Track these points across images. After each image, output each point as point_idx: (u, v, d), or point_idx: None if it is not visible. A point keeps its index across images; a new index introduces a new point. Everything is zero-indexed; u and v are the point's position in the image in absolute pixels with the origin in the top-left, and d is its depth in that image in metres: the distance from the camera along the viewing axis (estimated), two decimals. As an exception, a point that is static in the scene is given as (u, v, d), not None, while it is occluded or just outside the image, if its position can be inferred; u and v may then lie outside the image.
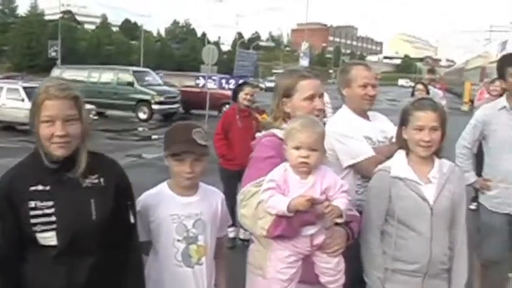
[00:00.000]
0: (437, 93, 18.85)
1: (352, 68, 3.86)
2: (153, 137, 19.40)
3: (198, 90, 25.52)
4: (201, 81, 26.30)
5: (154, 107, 23.78)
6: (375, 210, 3.16)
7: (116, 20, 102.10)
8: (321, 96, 3.04)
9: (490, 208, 4.89)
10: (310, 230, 2.64)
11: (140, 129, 21.78)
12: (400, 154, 3.18)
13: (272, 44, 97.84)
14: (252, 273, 2.94)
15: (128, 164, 12.20)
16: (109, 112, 25.21)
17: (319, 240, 2.67)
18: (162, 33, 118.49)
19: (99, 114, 22.74)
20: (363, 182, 3.54)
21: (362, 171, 3.55)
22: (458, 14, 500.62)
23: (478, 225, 5.06)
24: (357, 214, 3.07)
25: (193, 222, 2.84)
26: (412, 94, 8.87)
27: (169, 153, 2.81)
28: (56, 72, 26.74)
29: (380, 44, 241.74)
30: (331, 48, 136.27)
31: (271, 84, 70.68)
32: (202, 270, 2.84)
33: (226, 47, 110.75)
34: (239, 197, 2.80)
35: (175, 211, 2.82)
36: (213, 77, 24.62)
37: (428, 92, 8.81)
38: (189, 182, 2.83)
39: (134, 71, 26.01)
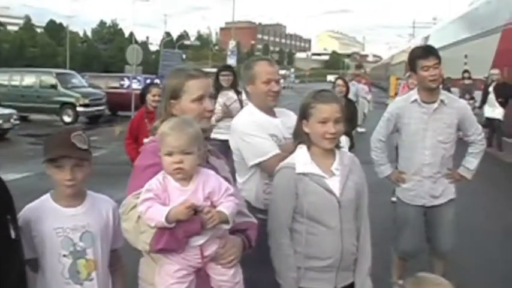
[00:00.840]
0: (362, 88, 19.46)
1: (255, 64, 3.78)
2: (79, 140, 18.90)
3: (123, 91, 25.14)
4: (126, 82, 25.81)
5: (79, 109, 23.20)
6: (282, 209, 3.05)
7: (40, 21, 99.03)
8: (211, 96, 2.83)
9: (405, 200, 4.95)
10: (199, 240, 2.40)
11: (65, 133, 21.29)
12: (302, 149, 3.10)
13: (198, 43, 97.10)
14: None
15: None
16: (32, 116, 24.48)
17: (210, 250, 2.45)
18: (89, 34, 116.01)
19: (22, 118, 22.14)
20: (271, 181, 3.37)
21: (268, 170, 3.43)
22: (384, 11, 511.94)
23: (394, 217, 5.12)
24: (254, 221, 2.89)
25: (80, 235, 2.60)
26: (332, 89, 9.03)
27: (46, 159, 2.55)
28: (-26, 76, 25.88)
29: (308, 41, 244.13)
30: (260, 46, 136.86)
31: None
32: (93, 287, 2.61)
33: (154, 47, 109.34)
34: (120, 209, 2.55)
35: (60, 224, 2.58)
36: (138, 78, 24.26)
37: (348, 88, 8.96)
38: (71, 191, 2.59)
39: (57, 74, 25.25)
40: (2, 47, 71.74)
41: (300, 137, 3.14)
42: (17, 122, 19.35)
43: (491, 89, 15.81)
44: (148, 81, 23.62)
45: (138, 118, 7.13)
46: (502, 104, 15.48)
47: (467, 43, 25.63)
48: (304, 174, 3.00)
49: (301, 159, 3.05)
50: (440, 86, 4.83)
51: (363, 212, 3.18)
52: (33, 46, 77.89)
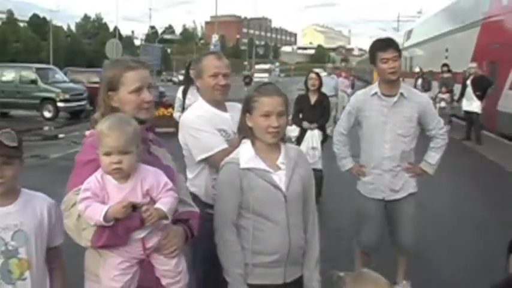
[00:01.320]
0: (342, 82, 19.48)
1: (203, 59, 3.77)
2: (60, 135, 18.82)
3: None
4: (106, 77, 25.69)
5: (60, 104, 23.11)
6: (227, 206, 3.01)
7: (23, 15, 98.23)
8: (150, 87, 2.78)
9: (365, 194, 4.94)
10: (141, 234, 2.46)
11: (46, 128, 21.14)
12: (246, 144, 3.04)
13: (179, 37, 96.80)
14: (89, 280, 2.68)
15: (30, 165, 11.82)
16: (13, 112, 24.35)
17: (152, 242, 2.51)
18: (73, 28, 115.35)
19: (2, 114, 22.02)
20: None
21: (215, 165, 3.36)
22: (370, 4, 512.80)
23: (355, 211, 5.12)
24: (197, 210, 2.91)
25: (11, 234, 2.51)
26: (305, 83, 9.04)
27: None
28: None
29: (294, 35, 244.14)
30: (245, 40, 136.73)
31: None
32: (26, 286, 2.55)
33: (140, 41, 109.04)
34: (62, 206, 2.54)
35: None
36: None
37: (321, 81, 8.99)
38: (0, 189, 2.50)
39: (37, 69, 25.07)
40: (-16, 43, 71.19)
41: (244, 131, 3.09)
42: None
43: (469, 82, 15.90)
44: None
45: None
46: (480, 98, 15.57)
47: (448, 37, 25.72)
48: (248, 169, 2.95)
49: (245, 154, 3.00)
50: (401, 79, 4.83)
51: (311, 204, 3.16)
52: (16, 41, 77.31)
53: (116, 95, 2.73)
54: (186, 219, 2.77)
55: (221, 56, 3.79)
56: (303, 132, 8.61)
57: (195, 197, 3.37)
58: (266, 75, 78.58)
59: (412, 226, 4.95)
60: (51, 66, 28.75)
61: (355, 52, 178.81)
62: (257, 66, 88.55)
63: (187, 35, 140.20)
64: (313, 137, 8.13)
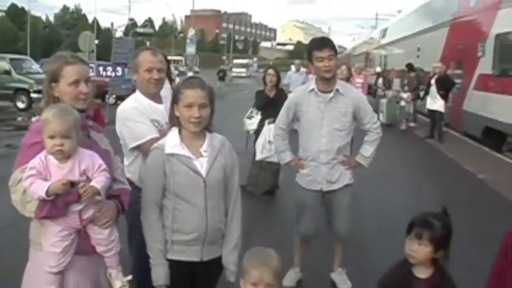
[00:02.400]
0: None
1: (139, 54, 4.08)
2: (33, 126, 18.89)
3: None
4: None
5: (33, 95, 22.95)
6: (151, 187, 3.31)
7: (1, 5, 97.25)
8: (87, 80, 3.09)
9: (303, 185, 5.21)
10: (78, 207, 2.84)
11: (19, 118, 21.16)
12: (173, 132, 3.33)
13: (151, 31, 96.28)
14: (33, 248, 3.04)
15: (3, 154, 12.38)
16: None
17: (88, 214, 2.89)
18: (51, 19, 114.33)
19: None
20: None
21: (146, 152, 3.58)
22: (349, 1, 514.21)
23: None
24: (128, 188, 3.28)
25: None
26: (264, 78, 9.33)
27: None
28: None
29: (274, 30, 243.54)
30: (224, 35, 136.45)
31: None
32: None
33: (119, 33, 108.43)
34: (9, 183, 2.85)
35: None
36: (91, 65, 24.25)
37: (279, 77, 9.28)
38: None
39: (12, 59, 24.94)
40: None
41: (172, 120, 3.38)
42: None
43: (433, 81, 16.30)
44: (101, 68, 23.67)
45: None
46: (443, 97, 15.99)
47: (420, 36, 26.13)
48: (172, 155, 3.25)
49: (171, 141, 3.30)
50: (338, 76, 5.09)
51: (232, 190, 3.44)
52: (-6, 30, 76.47)
53: (57, 87, 3.06)
54: (118, 195, 3.13)
55: (156, 52, 4.11)
56: (260, 126, 8.93)
57: (130, 182, 3.65)
58: (244, 70, 78.64)
59: (348, 216, 5.23)
60: (26, 57, 28.57)
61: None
62: (235, 61, 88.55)
63: (167, 28, 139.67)
64: (270, 131, 8.39)
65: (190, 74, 41.45)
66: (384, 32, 41.87)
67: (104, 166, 2.93)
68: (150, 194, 3.33)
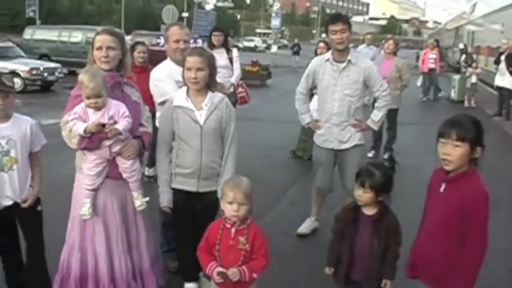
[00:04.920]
0: (380, 54, 20.09)
1: (170, 28, 5.00)
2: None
3: (160, 48, 26.19)
4: (162, 41, 27.09)
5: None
6: (163, 131, 4.29)
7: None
8: (108, 48, 3.94)
9: (318, 144, 5.89)
10: (108, 142, 3.84)
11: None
12: (183, 89, 4.22)
13: (231, 5, 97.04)
14: (77, 172, 4.11)
15: None
16: (79, 71, 25.96)
17: (116, 148, 3.89)
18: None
19: (71, 72, 23.53)
20: None
21: None
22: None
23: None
24: (149, 130, 4.20)
25: (6, 141, 3.94)
26: (315, 51, 9.95)
27: None
28: (28, 32, 27.60)
29: (366, 4, 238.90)
30: (316, 8, 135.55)
31: (250, 44, 68.47)
32: (14, 175, 3.99)
33: (210, 6, 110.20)
34: (60, 124, 3.91)
35: None
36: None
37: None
38: (1, 114, 3.91)
39: (102, 31, 26.60)
40: (60, 5, 73.59)
41: (184, 80, 4.23)
42: (61, 75, 20.99)
43: (503, 57, 16.17)
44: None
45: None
46: (512, 74, 15.74)
47: (504, 12, 25.51)
48: (178, 106, 4.17)
49: (179, 96, 4.21)
50: (351, 46, 5.65)
51: (228, 138, 4.27)
52: (91, 3, 79.67)
53: (92, 52, 4.04)
54: (140, 136, 4.08)
55: (183, 27, 5.05)
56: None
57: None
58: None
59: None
60: (117, 29, 30.01)
61: (429, 25, 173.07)
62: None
63: (259, 1, 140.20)
64: (315, 101, 8.98)
65: (275, 47, 42.14)
66: (473, 7, 40.93)
67: (127, 113, 3.88)
68: (161, 136, 4.29)
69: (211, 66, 4.16)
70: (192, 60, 4.08)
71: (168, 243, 5.06)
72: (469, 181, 3.08)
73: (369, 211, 3.60)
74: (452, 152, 3.03)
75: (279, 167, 9.27)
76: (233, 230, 3.41)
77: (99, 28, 21.71)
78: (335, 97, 5.63)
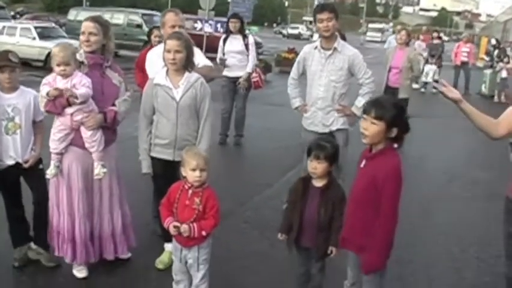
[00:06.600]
0: (419, 45, 20.25)
1: (165, 14, 5.41)
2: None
3: (196, 33, 26.77)
4: (199, 25, 28.22)
5: (159, 47, 25.00)
6: (144, 105, 4.78)
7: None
8: (90, 33, 4.49)
9: (306, 127, 6.27)
10: (70, 110, 4.37)
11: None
12: (164, 69, 4.65)
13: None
14: None
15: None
16: (121, 52, 26.76)
17: (77, 117, 4.40)
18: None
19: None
20: None
21: None
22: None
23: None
24: (116, 109, 4.63)
25: (11, 108, 4.62)
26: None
27: None
28: (72, 13, 28.75)
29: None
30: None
31: (295, 32, 68.09)
32: (17, 138, 4.66)
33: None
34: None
35: (2, 102, 4.59)
36: (210, 22, 25.90)
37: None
38: (8, 85, 4.59)
39: (143, 14, 27.50)
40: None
41: (164, 61, 4.65)
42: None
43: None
44: (218, 24, 25.21)
45: (143, 54, 8.41)
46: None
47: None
48: (158, 84, 4.64)
49: (160, 75, 4.67)
50: (338, 35, 5.97)
51: (203, 114, 4.71)
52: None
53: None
54: (105, 112, 4.55)
55: (178, 13, 5.40)
56: None
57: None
58: (379, 34, 77.76)
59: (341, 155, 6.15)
60: (156, 12, 30.79)
61: (482, 18, 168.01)
62: (370, 25, 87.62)
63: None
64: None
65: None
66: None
67: (88, 84, 4.36)
68: (142, 109, 4.78)
69: (188, 49, 4.56)
70: (171, 43, 4.50)
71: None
72: (384, 157, 3.47)
73: (318, 183, 4.00)
74: (369, 127, 3.44)
75: (289, 149, 9.64)
76: (190, 191, 3.90)
77: (140, 11, 22.59)
78: (321, 82, 5.98)
